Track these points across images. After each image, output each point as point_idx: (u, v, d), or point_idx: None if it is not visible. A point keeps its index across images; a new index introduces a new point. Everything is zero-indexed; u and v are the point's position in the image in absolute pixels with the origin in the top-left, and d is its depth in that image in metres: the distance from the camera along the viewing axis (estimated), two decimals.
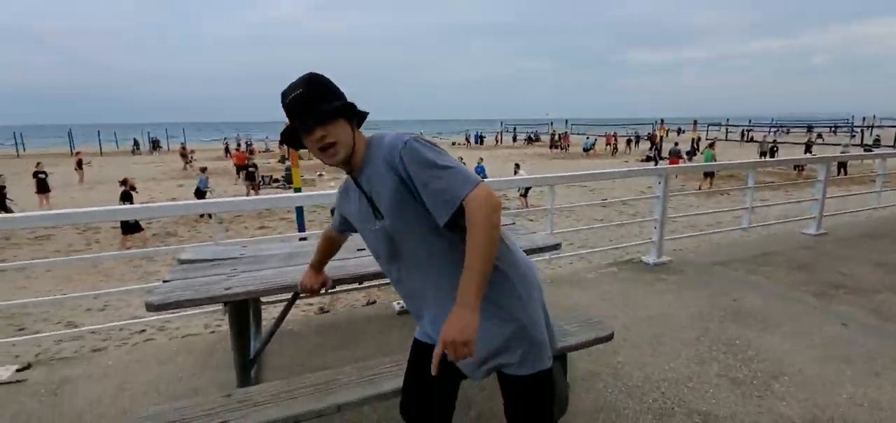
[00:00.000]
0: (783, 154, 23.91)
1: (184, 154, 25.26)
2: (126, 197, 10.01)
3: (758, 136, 37.87)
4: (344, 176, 1.31)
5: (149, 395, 2.34)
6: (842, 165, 15.48)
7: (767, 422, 2.05)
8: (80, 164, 19.35)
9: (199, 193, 13.14)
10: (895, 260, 4.12)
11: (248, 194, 14.73)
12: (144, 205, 8.04)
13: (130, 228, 9.23)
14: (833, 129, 48.05)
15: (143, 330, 5.12)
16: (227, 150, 31.44)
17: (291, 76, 1.16)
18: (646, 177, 12.92)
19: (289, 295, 1.96)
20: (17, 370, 2.55)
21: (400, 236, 1.19)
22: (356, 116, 1.21)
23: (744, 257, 4.28)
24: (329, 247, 1.62)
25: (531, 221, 9.42)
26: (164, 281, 1.87)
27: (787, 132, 48.08)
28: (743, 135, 41.37)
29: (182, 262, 2.12)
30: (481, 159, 17.61)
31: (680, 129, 48.91)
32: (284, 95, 1.14)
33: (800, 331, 2.84)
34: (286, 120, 1.17)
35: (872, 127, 38.72)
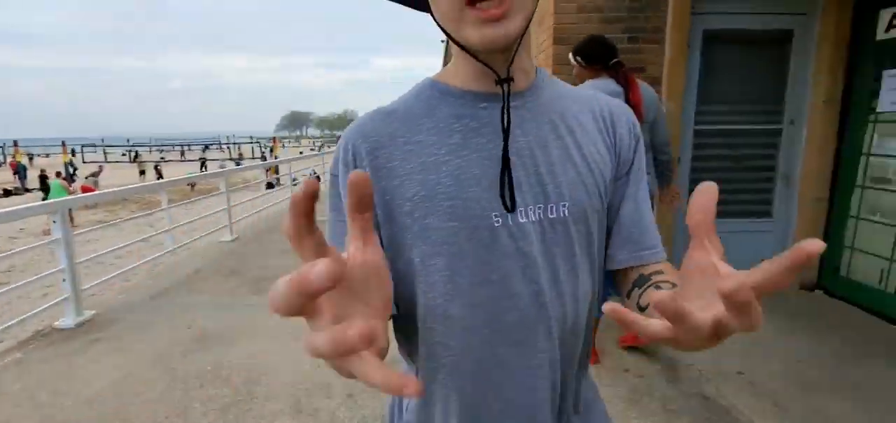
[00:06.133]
0: (170, 172, 25.32)
1: None
2: None
3: (173, 156, 37.92)
4: None
5: None
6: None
7: None
8: None
9: None
10: (288, 247, 5.29)
11: None
12: None
13: None
14: (205, 147, 55.93)
15: None
16: None
17: None
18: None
19: None
20: None
21: (572, 237, 0.57)
22: None
23: (180, 280, 4.14)
24: None
25: None
26: None
27: (171, 150, 51.33)
28: (135, 156, 39.93)
29: None
30: None
31: (29, 155, 40.01)
32: None
33: (260, 327, 3.07)
34: None
35: (237, 144, 48.29)
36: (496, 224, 0.54)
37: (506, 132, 0.54)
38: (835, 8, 3.17)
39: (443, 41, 11.03)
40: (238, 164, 27.14)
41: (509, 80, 0.54)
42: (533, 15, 0.53)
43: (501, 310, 0.56)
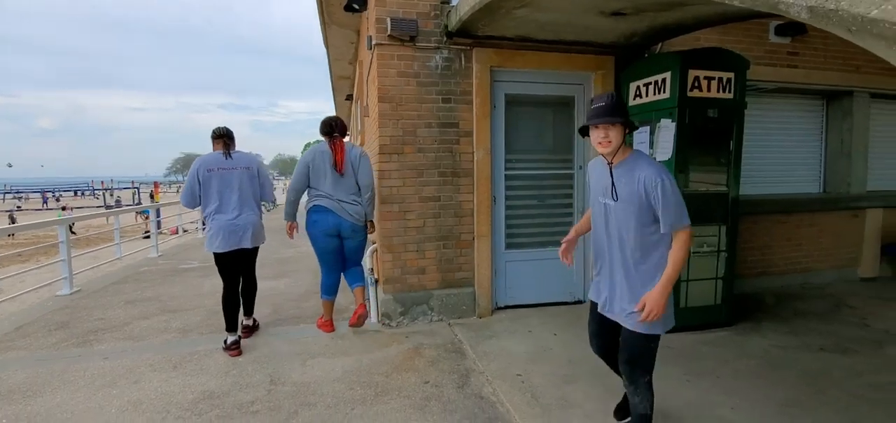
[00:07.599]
0: (26, 220, 22.09)
1: None
2: None
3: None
4: None
5: None
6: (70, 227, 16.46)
7: None
8: None
9: None
10: (137, 297, 5.06)
11: None
12: None
13: None
14: (77, 193, 49.44)
15: None
16: None
17: None
18: None
19: None
20: None
21: (618, 217, 2.01)
22: (628, 127, 1.98)
23: None
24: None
25: None
26: None
27: (28, 198, 44.71)
28: None
29: None
30: None
31: None
32: (599, 98, 1.96)
33: (74, 379, 2.97)
34: None
35: (112, 190, 43.28)
36: (603, 202, 2.08)
37: (611, 175, 2.02)
38: (601, 81, 4.06)
39: (332, 90, 11.42)
40: (111, 208, 24.38)
41: (610, 162, 2.02)
42: (621, 145, 1.97)
43: (601, 229, 2.12)
